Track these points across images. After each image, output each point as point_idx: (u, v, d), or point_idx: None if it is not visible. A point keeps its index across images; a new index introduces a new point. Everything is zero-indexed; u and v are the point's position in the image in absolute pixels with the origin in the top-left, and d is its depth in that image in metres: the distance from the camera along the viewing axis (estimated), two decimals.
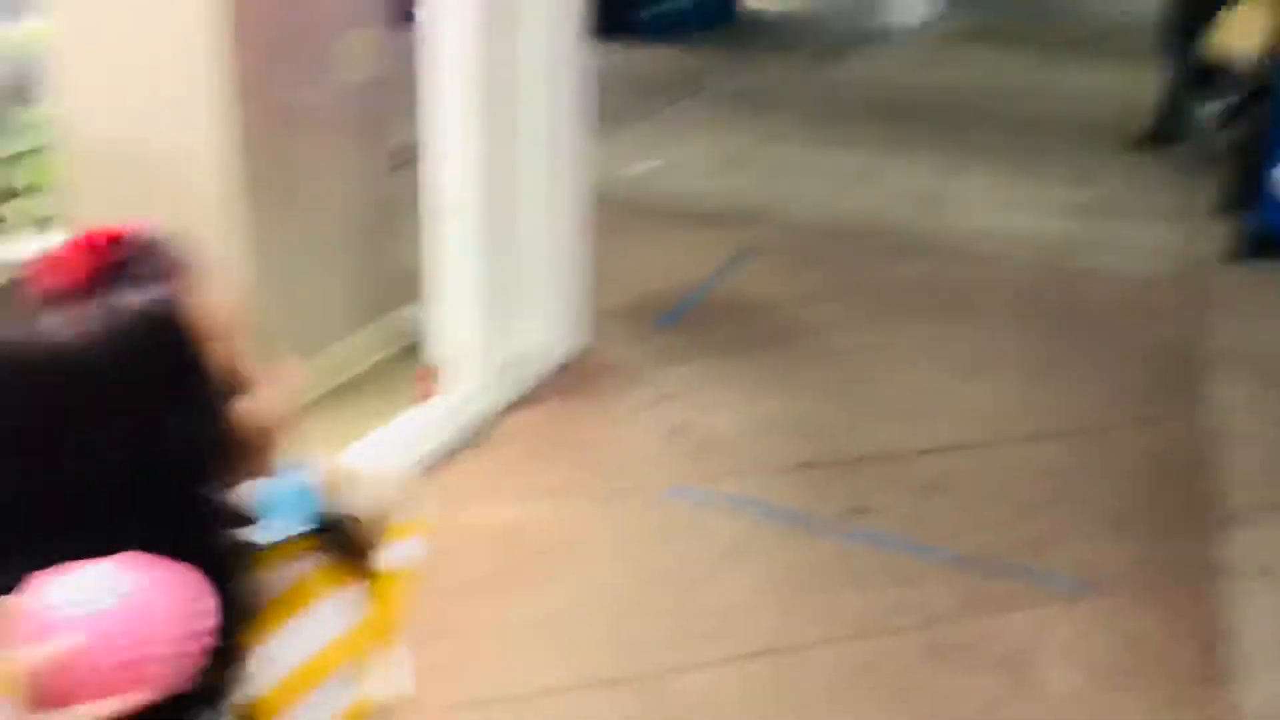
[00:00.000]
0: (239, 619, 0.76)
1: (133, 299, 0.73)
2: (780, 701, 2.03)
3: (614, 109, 4.83)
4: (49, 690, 0.62)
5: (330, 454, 1.01)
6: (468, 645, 2.14)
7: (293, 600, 0.87)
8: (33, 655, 0.61)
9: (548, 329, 3.21)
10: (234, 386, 0.77)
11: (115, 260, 0.74)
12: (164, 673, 0.65)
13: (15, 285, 0.73)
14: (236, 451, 0.78)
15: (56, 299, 0.71)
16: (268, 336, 0.88)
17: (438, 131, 2.74)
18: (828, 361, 3.38)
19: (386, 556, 1.07)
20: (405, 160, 3.67)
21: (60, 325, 0.70)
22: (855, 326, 3.61)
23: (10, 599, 0.62)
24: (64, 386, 0.70)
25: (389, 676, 0.99)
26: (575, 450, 2.84)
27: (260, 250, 2.73)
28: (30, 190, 3.33)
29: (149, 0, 2.56)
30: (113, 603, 0.64)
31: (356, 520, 0.97)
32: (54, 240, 0.75)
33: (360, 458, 2.57)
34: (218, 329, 0.76)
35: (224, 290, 0.78)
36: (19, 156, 3.28)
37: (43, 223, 3.41)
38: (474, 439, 2.83)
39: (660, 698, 2.02)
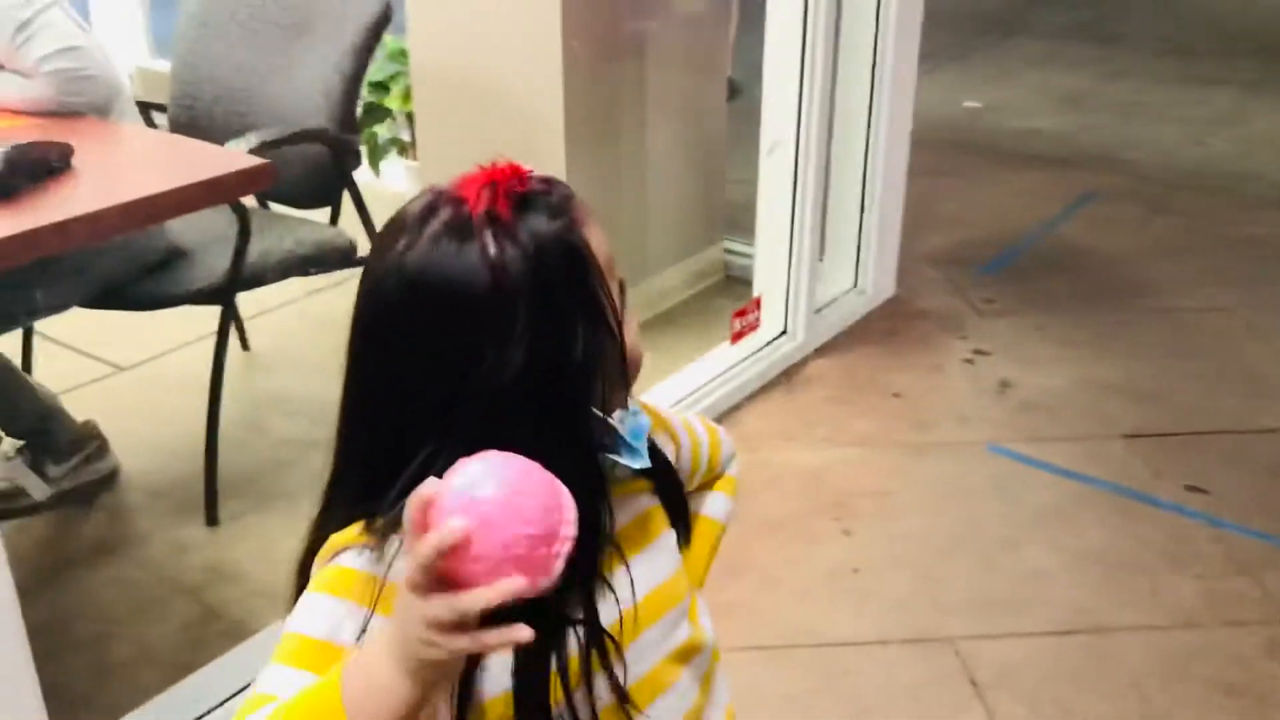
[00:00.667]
0: (598, 540, 0.80)
1: (545, 227, 0.78)
2: (1082, 683, 1.91)
3: (941, 45, 4.62)
4: (440, 574, 0.65)
5: (646, 390, 1.04)
6: (764, 588, 2.13)
7: (640, 532, 0.89)
8: (428, 540, 0.64)
9: (863, 272, 3.14)
10: (618, 317, 0.82)
11: (525, 191, 0.79)
12: (536, 565, 0.66)
13: (429, 209, 0.80)
14: (619, 378, 0.83)
15: (471, 224, 0.77)
16: None
17: (768, 64, 2.69)
18: (1169, 323, 3.11)
19: (706, 505, 1.07)
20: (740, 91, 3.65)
21: (484, 248, 0.77)
22: (1204, 286, 3.31)
23: (420, 488, 0.66)
24: (487, 302, 0.76)
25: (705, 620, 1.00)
26: (887, 399, 2.76)
27: (585, 178, 2.80)
28: (388, 115, 3.57)
29: None
30: (494, 492, 0.66)
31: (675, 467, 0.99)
32: (419, 166, 0.81)
33: (672, 392, 2.62)
34: (605, 262, 0.81)
35: (601, 228, 0.83)
36: (390, 80, 3.51)
37: (404, 147, 3.65)
38: (783, 380, 2.81)
39: (955, 663, 1.95)
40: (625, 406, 0.85)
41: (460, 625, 0.64)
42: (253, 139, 2.11)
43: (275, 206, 2.59)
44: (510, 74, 2.74)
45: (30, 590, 2.03)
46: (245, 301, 2.45)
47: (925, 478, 2.48)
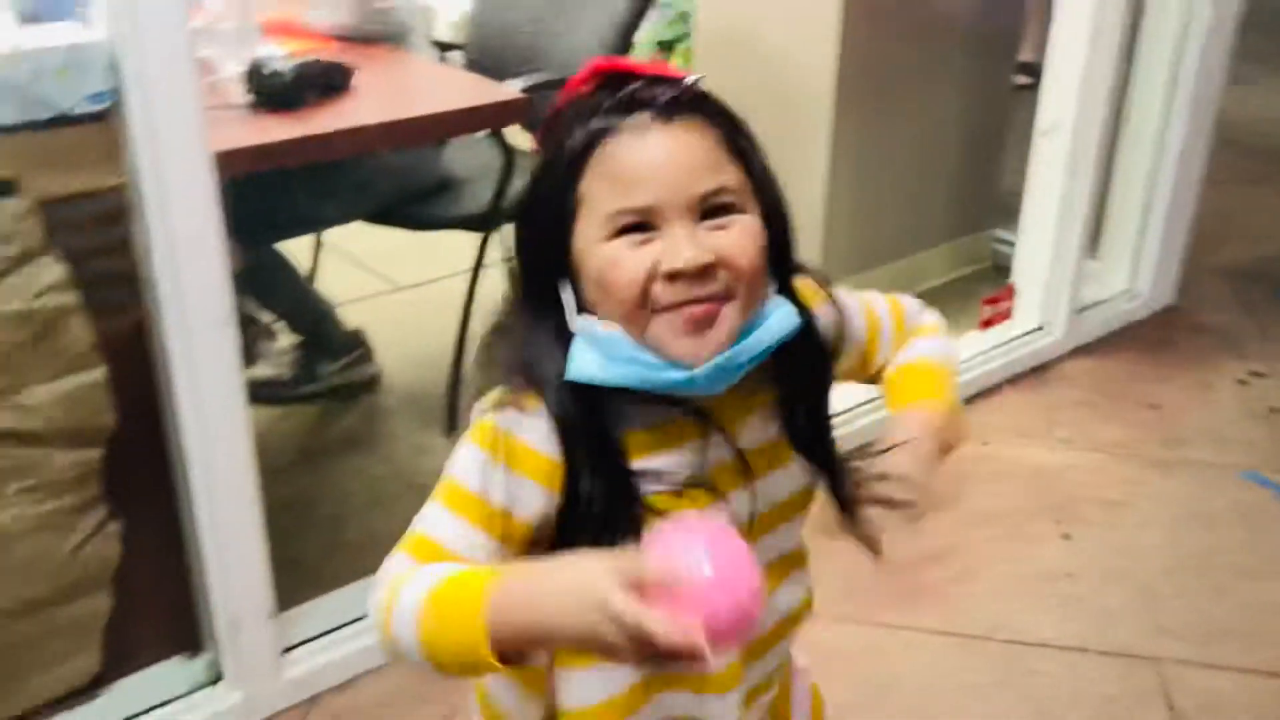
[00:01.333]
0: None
1: (584, 124, 0.85)
2: None
3: (1262, 49, 4.24)
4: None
5: None
6: (964, 578, 2.08)
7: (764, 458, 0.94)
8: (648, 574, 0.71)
9: (1136, 276, 2.95)
10: (611, 234, 0.85)
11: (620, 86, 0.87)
12: (727, 641, 0.71)
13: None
14: (591, 290, 0.87)
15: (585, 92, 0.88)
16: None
17: (1055, 36, 2.57)
18: None
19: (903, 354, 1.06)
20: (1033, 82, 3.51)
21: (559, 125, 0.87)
22: None
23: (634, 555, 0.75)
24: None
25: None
26: (1140, 409, 2.60)
27: (853, 149, 2.78)
28: None
29: None
30: (710, 574, 0.71)
31: None
32: None
33: None
34: (627, 181, 0.85)
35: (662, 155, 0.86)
36: (676, 40, 3.60)
37: None
38: (1032, 376, 2.70)
39: (1156, 684, 1.83)
40: (664, 355, 0.85)
41: (639, 643, 0.68)
42: (526, 79, 2.24)
43: None
44: (786, 40, 2.76)
45: (283, 471, 2.27)
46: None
47: (1164, 494, 2.33)
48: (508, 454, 0.86)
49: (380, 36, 2.21)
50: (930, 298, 1.12)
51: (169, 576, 1.65)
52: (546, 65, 2.52)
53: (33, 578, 1.51)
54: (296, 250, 2.56)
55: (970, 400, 2.59)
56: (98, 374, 1.47)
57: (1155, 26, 2.70)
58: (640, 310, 0.83)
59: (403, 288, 3.10)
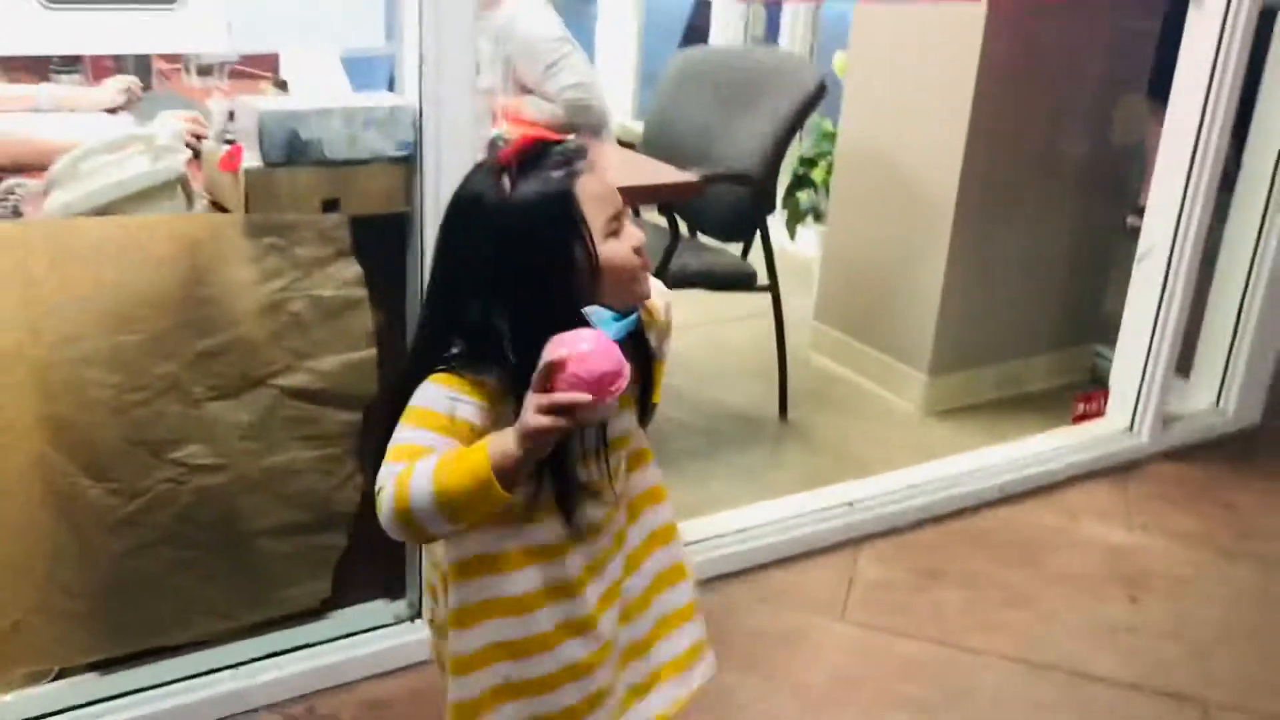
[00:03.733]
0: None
1: (542, 176, 1.21)
2: None
3: None
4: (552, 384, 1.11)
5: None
6: (1041, 620, 2.39)
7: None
8: (544, 358, 1.12)
9: (1224, 394, 3.25)
10: (607, 235, 1.22)
11: (540, 152, 1.21)
12: (603, 390, 1.11)
13: (489, 157, 1.25)
14: (603, 278, 1.22)
15: (512, 168, 1.20)
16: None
17: (1157, 178, 2.93)
18: None
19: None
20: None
21: (515, 187, 1.20)
22: None
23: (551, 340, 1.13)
24: (497, 218, 1.20)
25: None
26: (1217, 508, 2.89)
27: (969, 258, 3.17)
28: (810, 185, 4.10)
29: (930, 43, 3.13)
30: (588, 345, 1.12)
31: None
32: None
33: (1005, 456, 2.90)
34: (601, 196, 1.22)
35: (607, 175, 1.24)
36: (818, 156, 4.06)
37: (819, 214, 4.17)
38: (1118, 472, 3.01)
39: None
40: (631, 300, 1.24)
41: (550, 411, 1.09)
42: (697, 172, 2.71)
43: (701, 237, 3.19)
44: (916, 162, 3.19)
45: None
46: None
47: (1230, 577, 2.60)
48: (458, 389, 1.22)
49: (583, 127, 2.71)
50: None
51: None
52: (713, 164, 2.99)
53: (298, 507, 1.96)
54: None
55: (1059, 486, 2.91)
56: (370, 354, 1.93)
57: (1254, 163, 3.05)
58: (634, 273, 1.25)
59: None
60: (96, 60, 2.77)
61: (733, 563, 2.45)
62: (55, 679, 1.89)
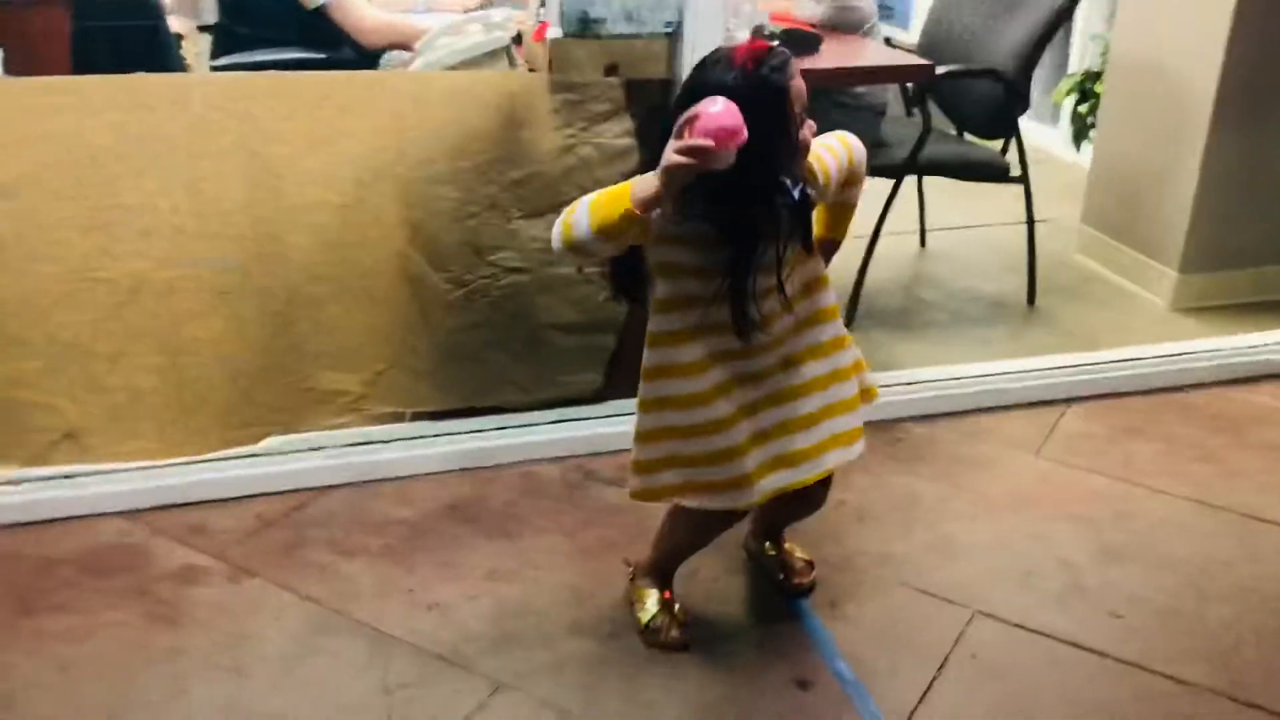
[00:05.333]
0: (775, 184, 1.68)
1: (765, 73, 1.61)
2: None
3: None
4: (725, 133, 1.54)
5: None
6: (1215, 461, 2.60)
7: None
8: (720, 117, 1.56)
9: None
10: (799, 124, 1.65)
11: (767, 52, 1.63)
12: (724, 140, 1.52)
13: (725, 51, 1.67)
14: (793, 157, 1.66)
15: (743, 63, 1.62)
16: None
17: None
18: None
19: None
20: None
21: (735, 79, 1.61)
22: None
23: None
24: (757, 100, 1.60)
25: None
26: None
27: (1227, 158, 3.30)
28: (1095, 98, 4.28)
29: None
30: (719, 107, 1.54)
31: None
32: None
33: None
34: (796, 94, 1.63)
35: (799, 80, 1.64)
36: (1099, 73, 4.22)
37: (1084, 130, 4.35)
38: None
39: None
40: (801, 172, 1.68)
41: (682, 151, 1.52)
42: (946, 67, 3.06)
43: (968, 138, 3.52)
44: (1178, 64, 3.34)
45: None
46: (936, 219, 3.45)
47: None
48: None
49: (847, 26, 3.14)
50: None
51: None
52: (972, 62, 3.31)
53: (579, 311, 2.55)
54: None
55: None
56: None
57: None
58: (808, 150, 1.70)
59: None
60: None
61: (943, 404, 2.82)
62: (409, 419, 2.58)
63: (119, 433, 2.36)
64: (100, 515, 2.31)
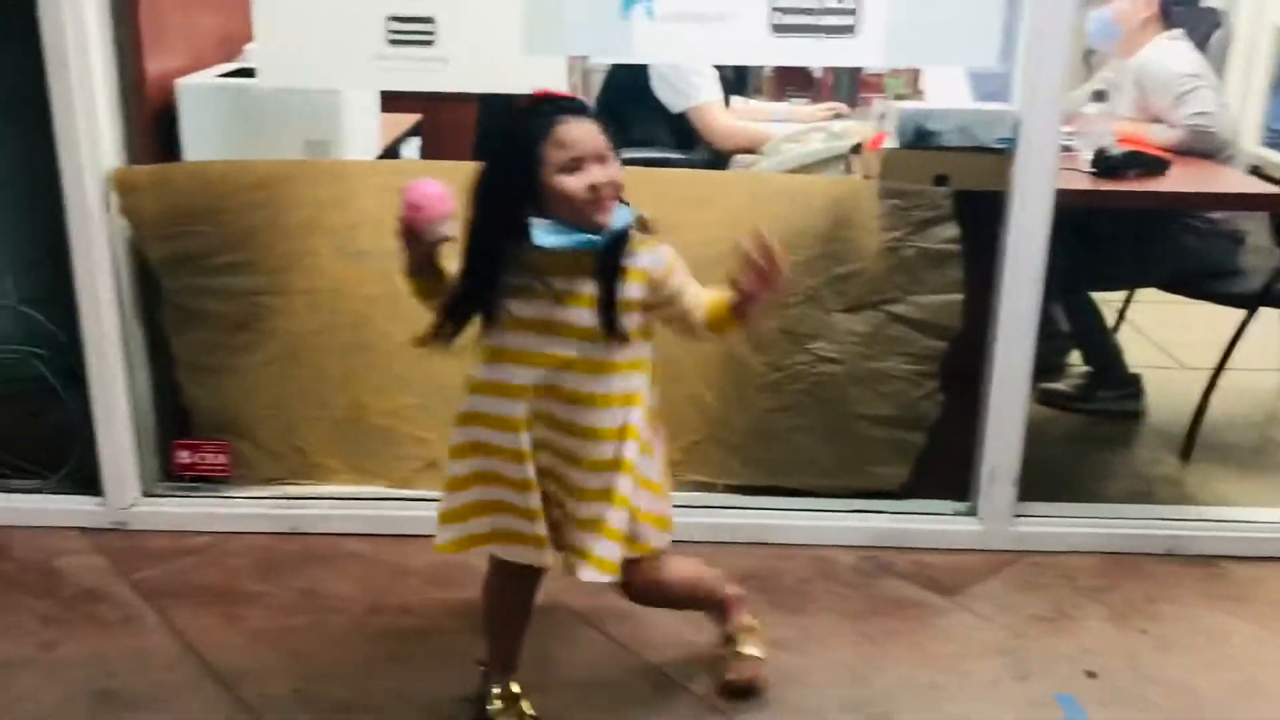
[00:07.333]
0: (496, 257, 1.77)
1: (532, 117, 1.70)
2: None
3: None
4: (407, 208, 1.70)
5: None
6: None
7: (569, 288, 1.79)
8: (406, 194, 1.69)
9: None
10: (561, 170, 1.67)
11: (550, 99, 1.72)
12: (419, 214, 1.69)
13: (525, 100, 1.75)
14: (549, 199, 1.68)
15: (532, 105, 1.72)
16: None
17: None
18: None
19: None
20: None
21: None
22: None
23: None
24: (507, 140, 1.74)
25: None
26: None
27: None
28: None
29: None
30: (424, 184, 1.69)
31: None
32: None
33: None
34: (568, 144, 1.68)
35: (581, 131, 1.69)
36: None
37: None
38: None
39: None
40: (584, 223, 1.69)
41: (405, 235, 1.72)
42: None
43: None
44: None
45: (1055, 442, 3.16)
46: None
47: None
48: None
49: (1202, 152, 3.07)
50: None
51: (959, 443, 2.67)
52: None
53: (890, 405, 2.64)
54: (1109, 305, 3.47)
55: None
56: (958, 297, 2.56)
57: None
58: (586, 203, 1.68)
59: (1184, 368, 3.81)
60: (823, 86, 3.71)
61: (1269, 548, 2.65)
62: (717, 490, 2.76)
63: None
64: None
